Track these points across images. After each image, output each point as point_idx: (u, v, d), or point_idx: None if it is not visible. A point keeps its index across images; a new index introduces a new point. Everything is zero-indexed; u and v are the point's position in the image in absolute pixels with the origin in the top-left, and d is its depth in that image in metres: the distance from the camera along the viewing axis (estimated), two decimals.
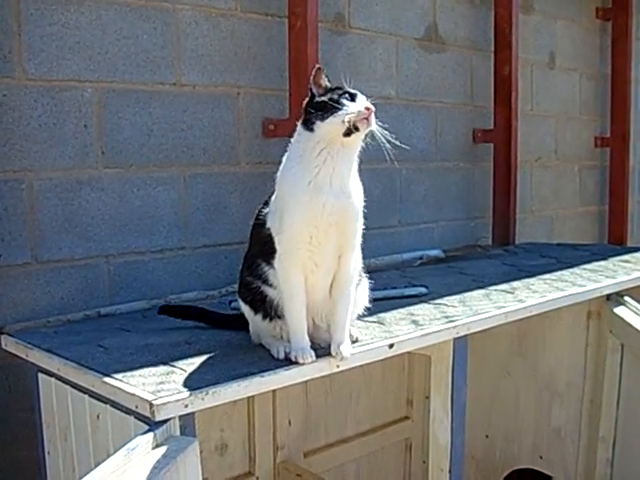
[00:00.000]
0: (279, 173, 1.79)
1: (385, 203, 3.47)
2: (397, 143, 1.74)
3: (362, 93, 1.73)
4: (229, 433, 2.71)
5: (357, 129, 1.68)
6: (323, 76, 1.75)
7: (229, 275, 2.78)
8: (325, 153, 1.71)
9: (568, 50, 4.57)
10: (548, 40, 4.42)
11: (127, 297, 2.61)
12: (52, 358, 1.95)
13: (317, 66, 1.78)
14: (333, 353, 1.79)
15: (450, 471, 2.26)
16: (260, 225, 1.84)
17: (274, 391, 2.75)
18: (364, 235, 1.84)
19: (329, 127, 1.69)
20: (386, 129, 1.71)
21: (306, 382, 2.88)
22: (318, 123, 1.70)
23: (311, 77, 1.75)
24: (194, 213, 2.77)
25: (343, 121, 1.66)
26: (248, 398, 2.71)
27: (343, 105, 1.67)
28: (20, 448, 2.37)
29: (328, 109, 1.68)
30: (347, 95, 1.70)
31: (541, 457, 3.19)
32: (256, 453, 2.79)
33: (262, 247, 1.82)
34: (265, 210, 1.84)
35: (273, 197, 1.81)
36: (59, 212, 2.44)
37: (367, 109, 1.67)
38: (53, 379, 1.99)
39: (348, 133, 1.68)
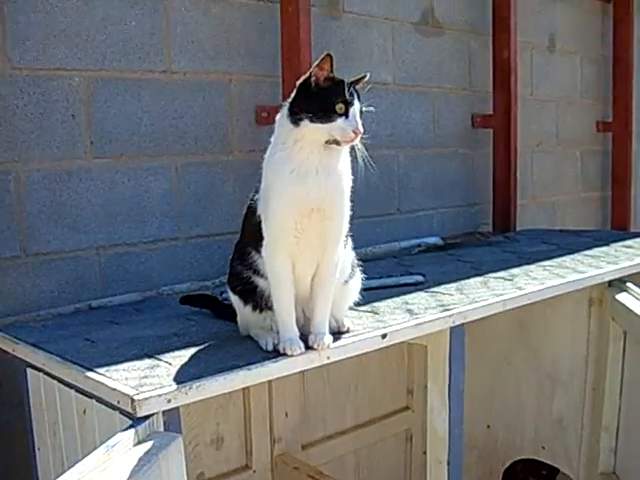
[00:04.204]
0: (265, 158, 1.74)
1: (383, 190, 3.41)
2: (365, 153, 1.69)
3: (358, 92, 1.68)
4: (225, 426, 2.67)
5: (338, 144, 1.64)
6: (328, 66, 1.64)
7: (223, 265, 2.70)
8: (308, 150, 1.66)
9: (568, 33, 4.50)
10: (548, 23, 4.35)
11: (119, 289, 2.56)
12: (37, 353, 1.91)
13: (326, 52, 1.65)
14: (310, 343, 1.75)
15: (449, 463, 2.22)
16: (251, 212, 1.80)
17: (270, 383, 2.72)
18: (361, 223, 1.80)
19: (313, 131, 1.64)
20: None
21: (303, 373, 2.87)
22: (305, 122, 1.64)
23: (317, 61, 1.65)
24: (187, 203, 2.73)
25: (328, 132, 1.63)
26: (243, 390, 2.67)
27: (335, 116, 1.62)
28: (12, 444, 2.33)
29: (318, 113, 1.62)
30: (342, 102, 1.62)
31: (543, 447, 3.15)
32: (253, 446, 2.76)
33: (253, 235, 1.78)
34: (256, 197, 1.79)
35: (262, 184, 1.76)
36: (48, 204, 2.40)
37: (355, 133, 1.62)
38: (41, 374, 1.95)
39: (330, 142, 1.64)
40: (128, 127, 2.55)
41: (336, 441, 3.06)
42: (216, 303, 2.26)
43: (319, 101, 1.63)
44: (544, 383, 3.11)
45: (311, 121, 1.63)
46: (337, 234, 1.73)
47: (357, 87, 1.68)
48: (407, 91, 3.51)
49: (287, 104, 1.70)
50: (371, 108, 1.71)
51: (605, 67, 4.83)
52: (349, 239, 1.86)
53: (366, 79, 1.72)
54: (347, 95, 1.62)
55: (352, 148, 1.71)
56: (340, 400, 3.08)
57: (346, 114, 1.62)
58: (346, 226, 1.76)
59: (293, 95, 1.69)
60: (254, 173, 1.83)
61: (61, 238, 2.43)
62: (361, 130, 1.63)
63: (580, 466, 3.02)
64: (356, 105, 1.64)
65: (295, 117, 1.65)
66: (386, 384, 3.25)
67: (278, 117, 1.73)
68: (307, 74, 1.67)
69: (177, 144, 2.68)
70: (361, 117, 1.66)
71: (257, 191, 1.79)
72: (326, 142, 1.64)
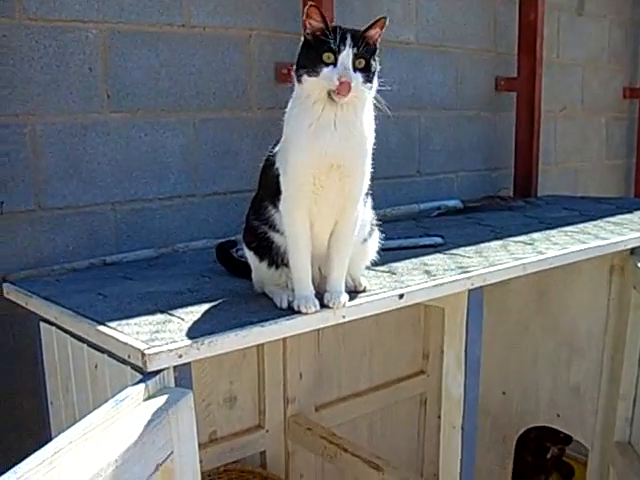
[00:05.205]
0: (287, 111, 1.69)
1: (403, 152, 3.36)
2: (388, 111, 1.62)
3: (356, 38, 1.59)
4: (238, 385, 2.67)
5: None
6: (315, 15, 1.57)
7: (240, 223, 2.66)
8: (321, 104, 1.60)
9: None
10: None
11: (134, 245, 2.54)
12: (50, 306, 1.89)
13: (309, 4, 1.60)
14: (326, 302, 1.72)
15: (463, 428, 2.19)
16: (270, 165, 1.75)
17: (284, 343, 2.71)
18: (381, 184, 1.76)
19: (312, 85, 1.58)
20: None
21: (318, 334, 2.85)
22: (305, 77, 1.59)
23: (304, 15, 1.58)
24: (204, 159, 2.69)
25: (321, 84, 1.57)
26: (257, 350, 2.66)
27: (322, 66, 1.55)
28: (26, 398, 2.33)
29: (310, 65, 1.57)
30: (329, 51, 1.55)
31: (558, 415, 3.12)
32: (266, 406, 2.76)
33: (270, 189, 1.74)
34: (275, 149, 1.75)
35: (282, 137, 1.72)
36: (63, 158, 2.37)
37: (341, 82, 1.53)
38: (54, 328, 1.93)
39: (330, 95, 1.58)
40: (145, 81, 2.51)
41: (350, 403, 3.06)
42: (236, 262, 2.21)
43: (311, 53, 1.58)
44: (561, 350, 3.07)
45: (308, 75, 1.58)
46: (357, 192, 1.68)
47: (372, 33, 1.60)
48: (430, 51, 3.43)
49: None
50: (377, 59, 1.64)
51: (635, 31, 4.72)
52: (369, 197, 1.82)
53: (385, 23, 1.61)
54: (334, 43, 1.55)
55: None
56: (355, 362, 3.07)
57: (335, 63, 1.56)
58: (366, 184, 1.71)
59: (297, 53, 1.64)
60: (273, 130, 1.83)
61: (76, 193, 2.41)
62: (350, 77, 1.54)
63: (595, 435, 2.99)
64: (346, 52, 1.55)
65: (297, 74, 1.61)
66: (402, 347, 3.24)
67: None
68: (302, 29, 1.62)
69: (195, 99, 2.64)
70: (366, 64, 1.59)
71: (277, 143, 1.74)
72: (328, 96, 1.58)
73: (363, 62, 1.58)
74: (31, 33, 2.26)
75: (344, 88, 1.54)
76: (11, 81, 2.24)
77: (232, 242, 2.33)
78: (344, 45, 1.56)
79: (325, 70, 1.55)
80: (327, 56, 1.55)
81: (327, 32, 1.57)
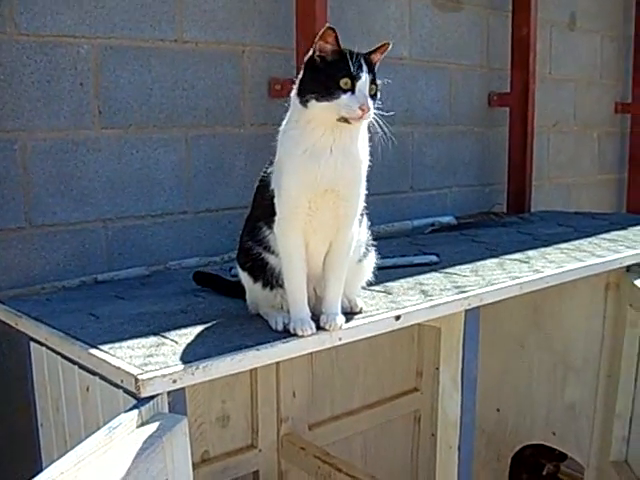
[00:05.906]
0: (280, 132, 1.67)
1: (396, 168, 3.35)
2: (388, 132, 1.59)
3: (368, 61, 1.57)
4: (231, 404, 2.64)
5: (348, 122, 1.54)
6: (332, 39, 1.54)
7: (232, 241, 2.64)
8: (321, 130, 1.57)
9: (590, 10, 4.39)
10: (569, 0, 4.24)
11: (125, 263, 2.51)
12: (40, 327, 1.86)
13: (327, 25, 1.55)
14: (322, 324, 1.69)
15: (459, 448, 2.16)
16: (264, 186, 1.73)
17: (278, 362, 2.67)
18: (374, 201, 1.74)
19: (321, 110, 1.54)
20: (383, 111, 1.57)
21: (311, 353, 2.82)
22: (312, 102, 1.55)
23: (319, 36, 1.54)
24: (196, 176, 2.67)
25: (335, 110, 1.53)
26: (251, 369, 2.63)
27: (339, 92, 1.51)
28: (17, 418, 2.28)
29: (323, 91, 1.53)
30: (347, 77, 1.52)
31: (554, 433, 3.09)
32: (259, 425, 2.72)
33: (265, 210, 1.71)
34: (270, 170, 1.72)
35: (276, 157, 1.69)
36: (54, 174, 2.34)
37: (362, 109, 1.51)
38: (44, 348, 1.90)
39: (341, 120, 1.55)
40: (137, 97, 2.49)
41: (344, 422, 3.03)
42: (224, 283, 2.19)
43: (324, 78, 1.54)
44: (557, 368, 3.05)
45: (317, 100, 1.54)
46: (351, 214, 1.66)
47: (375, 58, 1.59)
48: (423, 66, 3.43)
49: (296, 84, 1.62)
50: (387, 80, 1.63)
51: (626, 46, 4.73)
52: (365, 217, 1.80)
53: (388, 48, 1.61)
54: (352, 69, 1.52)
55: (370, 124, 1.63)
56: (348, 381, 3.04)
57: (352, 89, 1.53)
58: (361, 206, 1.70)
59: (301, 74, 1.61)
60: (266, 147, 1.80)
61: (67, 210, 2.38)
62: (369, 106, 1.53)
63: (591, 454, 2.97)
64: (364, 79, 1.53)
65: (303, 98, 1.58)
66: (395, 365, 3.21)
67: (292, 94, 1.64)
68: (311, 50, 1.58)
69: (188, 115, 2.62)
70: (376, 90, 1.57)
71: (271, 163, 1.71)
72: (338, 120, 1.55)
73: (374, 89, 1.57)
74: (22, 48, 2.23)
75: (364, 113, 1.52)
76: (1, 97, 2.21)
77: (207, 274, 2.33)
78: (361, 71, 1.54)
79: (344, 97, 1.52)
80: (345, 82, 1.52)
81: (344, 56, 1.53)
